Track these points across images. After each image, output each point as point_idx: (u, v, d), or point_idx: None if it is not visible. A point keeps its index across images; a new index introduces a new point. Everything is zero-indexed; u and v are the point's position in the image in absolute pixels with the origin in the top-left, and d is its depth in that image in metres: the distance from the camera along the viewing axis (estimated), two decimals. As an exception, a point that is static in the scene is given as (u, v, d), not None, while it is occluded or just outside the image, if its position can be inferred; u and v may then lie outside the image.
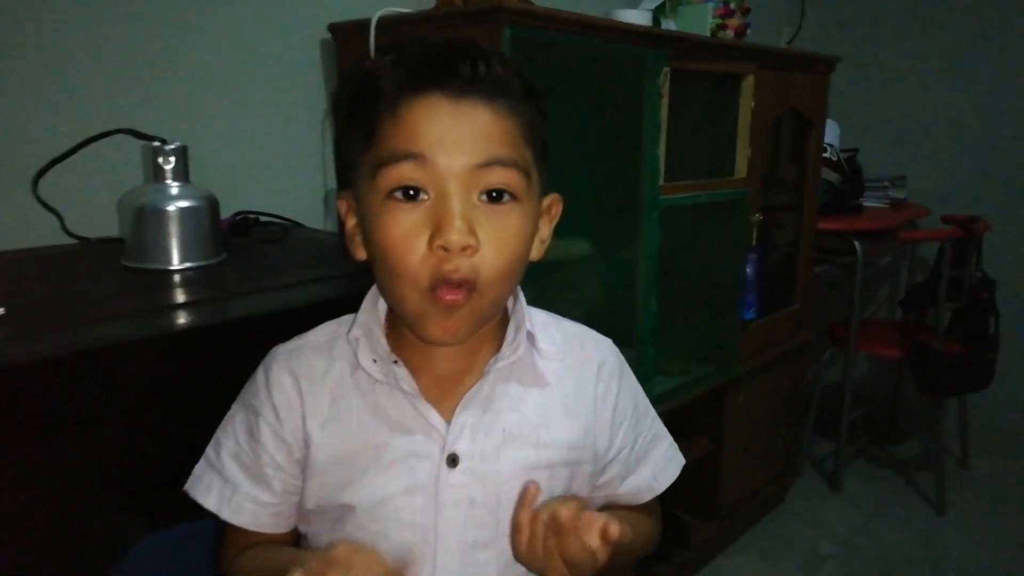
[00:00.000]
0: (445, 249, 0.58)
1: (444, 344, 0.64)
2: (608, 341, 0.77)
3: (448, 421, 0.66)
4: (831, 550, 2.17)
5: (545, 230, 0.69)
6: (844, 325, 2.50)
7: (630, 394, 0.77)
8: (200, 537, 1.34)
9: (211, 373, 0.84)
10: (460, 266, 0.59)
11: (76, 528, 0.89)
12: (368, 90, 0.61)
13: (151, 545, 1.30)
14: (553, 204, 0.70)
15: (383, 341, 0.67)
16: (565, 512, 0.60)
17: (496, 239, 0.60)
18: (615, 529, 0.58)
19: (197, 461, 0.71)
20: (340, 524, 0.66)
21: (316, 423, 0.67)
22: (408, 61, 0.60)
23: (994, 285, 2.38)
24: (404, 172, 0.59)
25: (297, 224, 1.42)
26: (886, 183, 2.70)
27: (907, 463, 2.67)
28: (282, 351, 0.70)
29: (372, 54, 1.39)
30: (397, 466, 0.65)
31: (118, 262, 1.10)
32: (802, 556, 2.13)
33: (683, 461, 0.81)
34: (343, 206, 0.68)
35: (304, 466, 0.68)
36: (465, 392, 0.67)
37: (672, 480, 0.79)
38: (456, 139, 0.59)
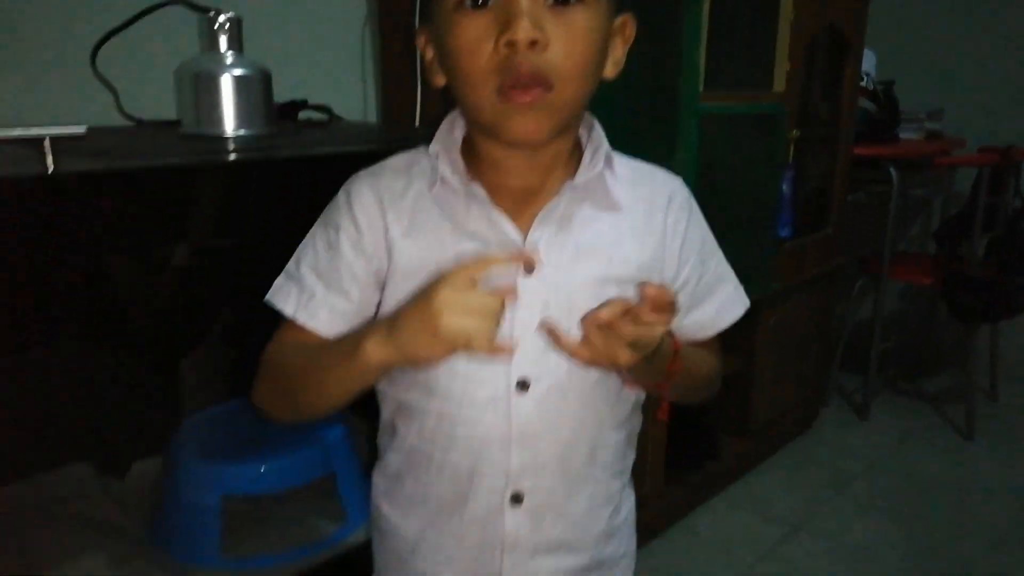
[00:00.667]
0: (512, 45, 0.58)
1: (526, 144, 0.64)
2: (679, 178, 0.78)
3: (524, 234, 0.68)
4: (859, 470, 2.19)
5: (619, 50, 0.69)
6: (876, 256, 2.50)
7: (699, 230, 0.77)
8: (249, 410, 1.39)
9: (269, 209, 0.87)
10: (529, 60, 0.59)
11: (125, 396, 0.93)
12: None
13: (199, 419, 1.35)
14: (627, 25, 0.69)
15: (460, 161, 0.69)
16: (614, 304, 0.60)
17: (565, 37, 0.60)
18: (669, 292, 0.58)
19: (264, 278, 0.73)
20: None
21: (398, 232, 0.69)
22: None
23: (1032, 213, 2.36)
24: None
25: (339, 117, 1.43)
26: (922, 115, 2.66)
27: (936, 395, 2.67)
28: (363, 174, 0.73)
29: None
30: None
31: (174, 136, 1.12)
32: (830, 475, 2.16)
33: (748, 304, 0.81)
34: (422, 40, 0.69)
35: (385, 276, 0.70)
36: (539, 210, 0.68)
37: (735, 319, 0.80)
38: None
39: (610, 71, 0.68)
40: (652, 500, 1.77)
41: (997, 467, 2.21)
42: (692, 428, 1.92)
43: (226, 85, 1.08)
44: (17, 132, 0.72)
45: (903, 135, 2.61)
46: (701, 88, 1.65)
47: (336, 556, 1.19)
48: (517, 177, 0.69)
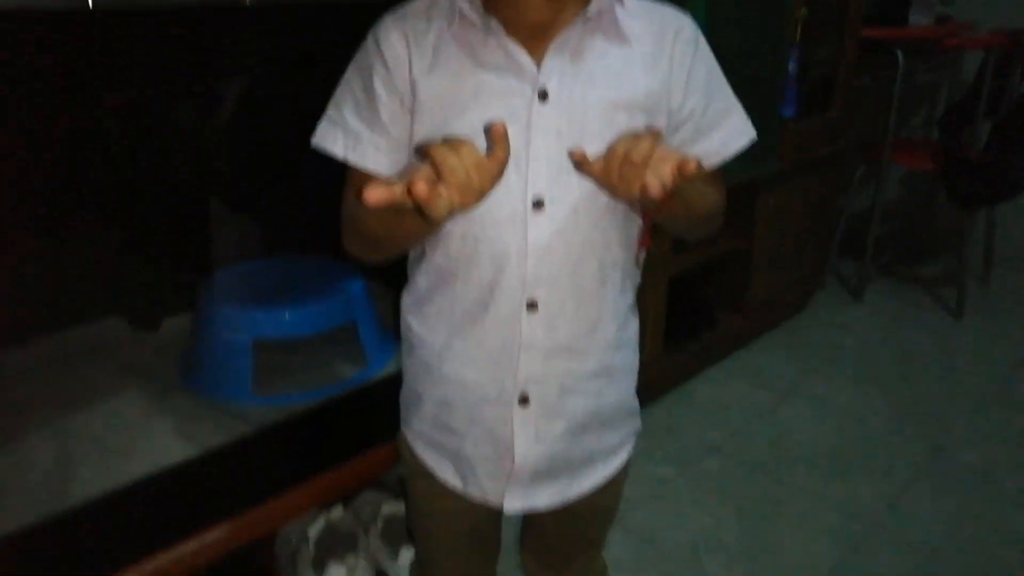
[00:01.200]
0: None
1: None
2: (688, 15, 0.80)
3: (538, 65, 0.72)
4: (851, 345, 2.29)
5: None
6: (879, 142, 2.52)
7: (705, 63, 0.80)
8: (275, 268, 1.46)
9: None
10: None
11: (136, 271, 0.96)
12: None
13: (236, 270, 1.42)
14: None
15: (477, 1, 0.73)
16: (644, 142, 0.64)
17: None
18: (693, 163, 0.62)
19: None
20: None
21: (421, 69, 0.74)
22: None
23: (1037, 97, 2.37)
24: None
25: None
26: (932, 3, 2.63)
27: (930, 279, 2.75)
28: (389, 18, 0.77)
29: None
30: (494, 100, 0.72)
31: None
32: (823, 350, 2.26)
33: (754, 135, 0.84)
34: None
35: (412, 109, 0.75)
36: (553, 41, 0.72)
37: (741, 147, 0.83)
38: None
39: None
40: (650, 366, 1.87)
41: (983, 342, 2.31)
42: (691, 301, 2.00)
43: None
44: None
45: (912, 18, 2.59)
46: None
47: (356, 394, 1.28)
48: (532, 11, 0.73)
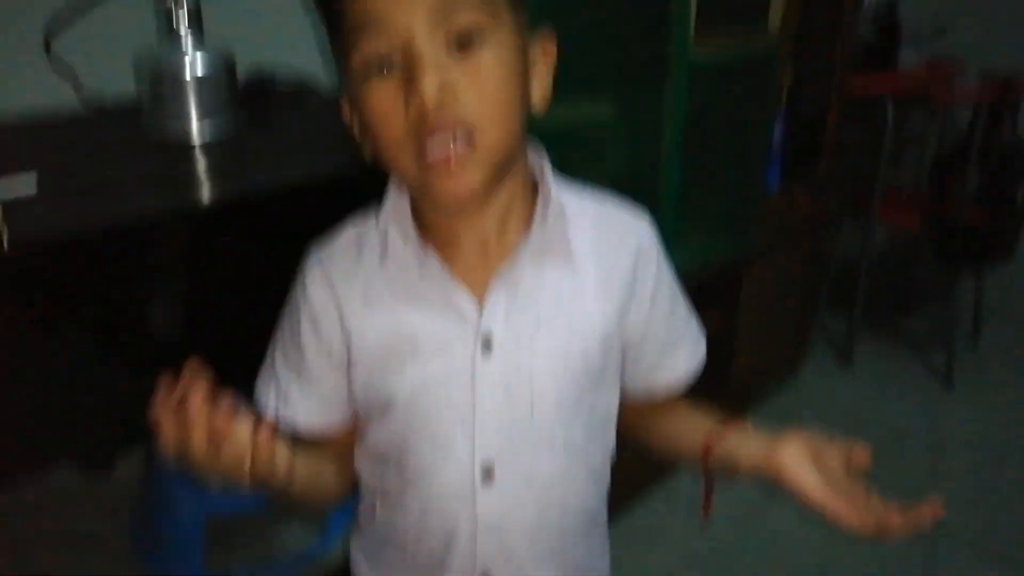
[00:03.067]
0: (420, 105, 0.55)
1: (458, 205, 0.61)
2: (644, 216, 0.74)
3: (480, 303, 0.65)
4: (839, 421, 2.17)
5: (544, 76, 0.64)
6: (865, 194, 2.40)
7: (667, 274, 0.74)
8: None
9: (236, 249, 0.80)
10: (440, 116, 0.55)
11: (89, 408, 0.86)
12: None
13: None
14: (547, 45, 0.64)
15: (411, 227, 0.66)
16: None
17: (477, 82, 0.56)
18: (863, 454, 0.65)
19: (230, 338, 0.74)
20: (385, 416, 0.68)
21: (352, 319, 0.67)
22: None
23: (1030, 151, 2.26)
24: (367, 48, 0.56)
25: (310, 90, 1.28)
26: (924, 36, 2.51)
27: (918, 338, 2.63)
28: (314, 252, 0.70)
29: None
30: (433, 354, 0.65)
31: (136, 128, 1.00)
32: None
33: (705, 340, 0.80)
34: (346, 111, 0.65)
35: (347, 362, 0.68)
36: (496, 270, 0.65)
37: (702, 361, 0.78)
38: None
39: (539, 102, 0.64)
40: (628, 463, 1.73)
41: (974, 420, 2.20)
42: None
43: (187, 81, 0.96)
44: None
45: (903, 57, 2.46)
46: (692, 33, 1.50)
47: (316, 570, 1.19)
48: (470, 232, 0.65)
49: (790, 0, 1.73)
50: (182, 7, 0.96)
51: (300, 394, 0.70)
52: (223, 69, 1.00)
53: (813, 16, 2.03)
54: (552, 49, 0.65)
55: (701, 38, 1.52)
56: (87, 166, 0.90)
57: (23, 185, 0.71)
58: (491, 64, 0.57)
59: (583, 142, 1.49)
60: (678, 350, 0.75)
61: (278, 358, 0.71)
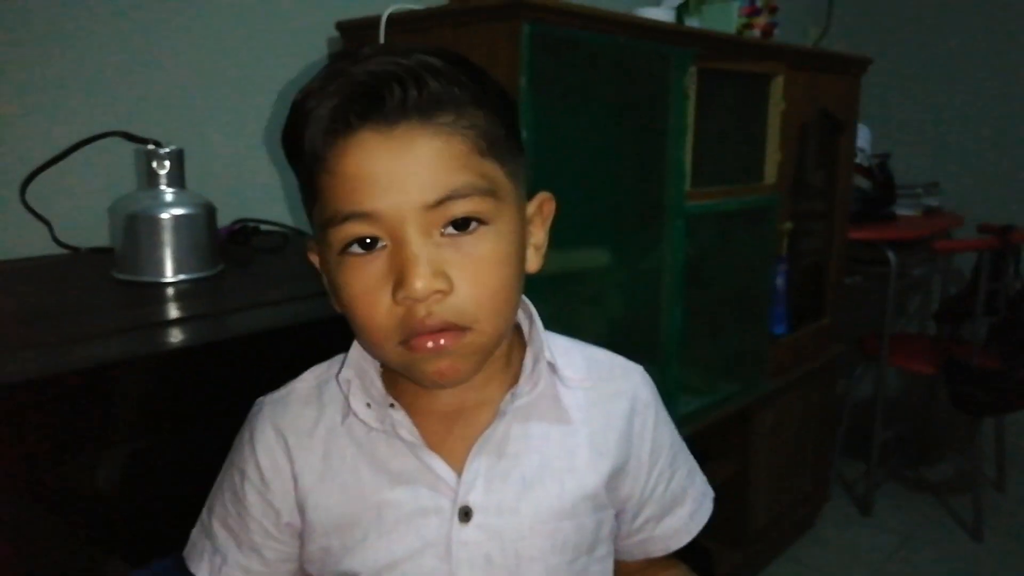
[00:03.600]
0: (411, 307, 0.51)
1: (445, 387, 0.57)
2: (639, 369, 0.69)
3: (457, 470, 0.58)
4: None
5: (539, 235, 0.61)
6: (874, 339, 2.40)
7: (667, 427, 0.69)
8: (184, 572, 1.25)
9: (209, 393, 0.78)
10: (433, 311, 0.51)
11: (61, 558, 0.83)
12: (297, 140, 0.54)
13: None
14: (543, 204, 0.61)
15: (377, 382, 0.60)
16: None
17: (472, 272, 0.52)
18: None
19: (191, 486, 0.65)
20: None
21: (309, 483, 0.60)
22: (328, 99, 0.52)
23: (1035, 297, 2.27)
24: (351, 230, 0.52)
25: (299, 232, 1.34)
26: (919, 190, 2.59)
27: (940, 485, 2.55)
28: (267, 403, 0.63)
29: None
30: (402, 526, 0.58)
31: (109, 273, 1.02)
32: (832, 585, 2.03)
33: (713, 495, 0.73)
34: (313, 258, 0.61)
35: (300, 531, 0.61)
36: (476, 434, 0.59)
37: (707, 519, 0.72)
38: (399, 180, 0.50)
39: (533, 264, 0.60)
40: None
41: (1007, 570, 2.08)
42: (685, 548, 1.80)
43: (166, 227, 0.99)
44: None
45: (899, 211, 2.53)
46: (687, 187, 1.57)
47: None
48: (448, 398, 0.60)
49: (785, 154, 1.81)
50: (164, 159, 1.00)
51: (238, 560, 0.62)
52: (204, 220, 1.02)
53: (809, 168, 2.12)
54: (550, 207, 0.62)
55: (697, 190, 1.58)
56: (52, 307, 0.90)
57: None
58: (491, 250, 0.53)
59: (582, 287, 1.53)
60: (679, 508, 0.69)
61: (215, 517, 0.63)
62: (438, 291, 0.51)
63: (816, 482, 2.26)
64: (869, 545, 2.21)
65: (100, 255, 1.12)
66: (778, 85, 1.77)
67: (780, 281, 1.92)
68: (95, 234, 1.16)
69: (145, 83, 1.25)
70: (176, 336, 0.83)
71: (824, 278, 2.17)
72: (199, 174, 1.09)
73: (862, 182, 2.43)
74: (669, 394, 1.56)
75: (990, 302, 2.27)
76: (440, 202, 0.51)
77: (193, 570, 0.63)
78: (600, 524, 0.63)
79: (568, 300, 1.47)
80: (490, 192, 0.53)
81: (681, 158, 1.54)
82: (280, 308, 0.95)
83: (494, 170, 0.54)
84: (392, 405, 0.59)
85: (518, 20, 1.17)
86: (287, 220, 1.33)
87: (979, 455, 2.26)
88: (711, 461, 1.89)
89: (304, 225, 1.39)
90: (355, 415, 0.59)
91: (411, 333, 0.52)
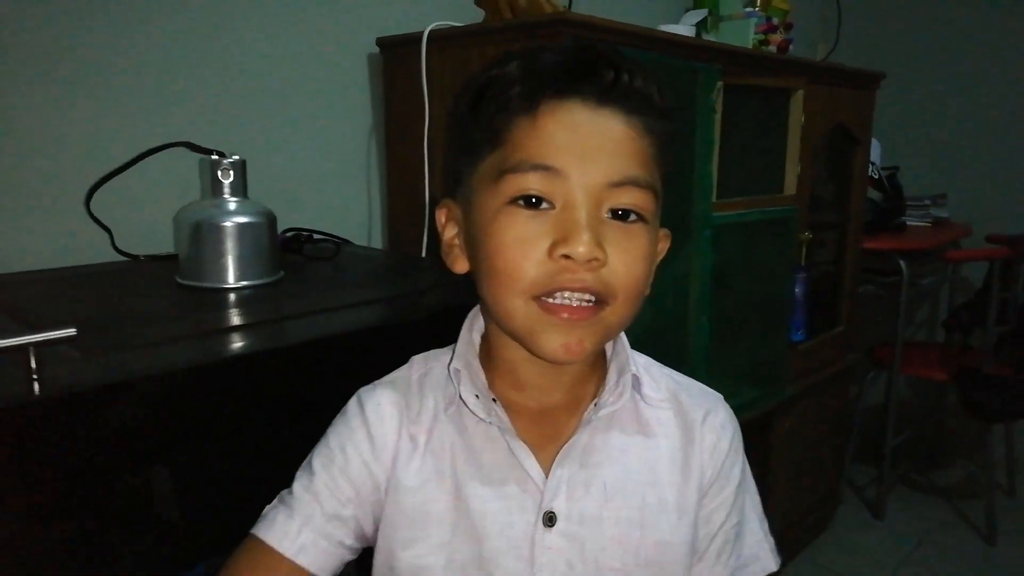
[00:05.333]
0: (568, 258, 0.54)
1: (562, 361, 0.58)
2: (720, 396, 0.70)
3: (546, 471, 0.60)
4: (877, 578, 2.10)
5: (654, 268, 0.64)
6: (886, 346, 2.45)
7: (740, 457, 0.68)
8: None
9: (272, 397, 0.80)
10: (585, 277, 0.54)
11: (125, 563, 0.85)
12: (499, 92, 0.57)
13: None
14: (664, 240, 0.65)
15: (482, 375, 0.63)
16: None
17: (625, 256, 0.56)
18: None
19: (260, 488, 0.66)
20: None
21: (407, 468, 0.62)
22: (546, 64, 0.57)
23: (1044, 306, 2.32)
24: (532, 182, 0.55)
25: (346, 241, 1.38)
26: (927, 201, 2.64)
27: (951, 490, 2.59)
28: (379, 385, 0.66)
29: (424, 69, 1.35)
30: (490, 524, 0.59)
31: (172, 279, 1.05)
32: (850, 587, 2.07)
33: (772, 568, 0.70)
34: (442, 216, 0.64)
35: (382, 511, 0.62)
36: (561, 438, 0.62)
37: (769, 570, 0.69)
38: (593, 152, 0.55)
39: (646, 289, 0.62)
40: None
41: (1021, 573, 2.12)
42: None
43: (230, 234, 1.02)
44: (2, 343, 0.65)
45: (909, 222, 2.58)
46: (714, 199, 1.61)
47: None
48: (538, 392, 0.63)
49: (803, 168, 1.86)
50: (228, 170, 1.03)
51: (324, 527, 0.61)
52: (266, 228, 1.05)
53: (825, 181, 2.17)
54: (666, 245, 0.66)
55: (722, 203, 1.63)
56: (123, 313, 0.92)
57: (61, 332, 0.66)
58: (642, 247, 0.57)
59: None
60: (707, 555, 0.66)
61: (298, 486, 0.63)
62: (595, 259, 0.54)
63: (830, 486, 2.30)
64: (882, 548, 2.25)
65: (158, 262, 1.16)
66: (798, 99, 1.82)
67: (799, 290, 1.97)
68: (152, 242, 1.19)
69: (200, 97, 1.29)
70: (243, 342, 0.86)
71: (839, 287, 2.22)
72: (251, 183, 1.12)
73: (873, 194, 2.48)
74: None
75: (1000, 311, 2.32)
76: (621, 184, 0.55)
77: (262, 534, 0.61)
78: (685, 541, 0.63)
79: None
80: (656, 194, 0.58)
81: (708, 170, 1.59)
82: (336, 315, 0.98)
83: (659, 180, 0.59)
84: (495, 400, 0.61)
85: (561, 37, 1.22)
86: (333, 230, 1.37)
87: (990, 460, 2.31)
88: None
89: (349, 234, 1.43)
90: (464, 404, 0.61)
91: (555, 288, 0.54)
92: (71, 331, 0.68)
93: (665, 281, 1.69)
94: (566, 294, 0.54)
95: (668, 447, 0.64)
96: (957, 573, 2.13)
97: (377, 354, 0.70)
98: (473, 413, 0.61)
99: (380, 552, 0.63)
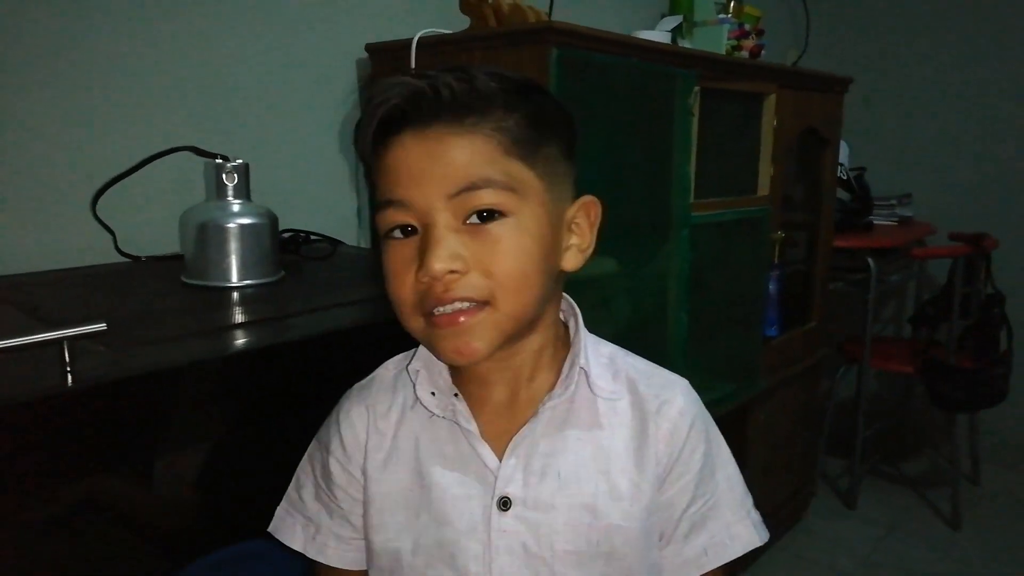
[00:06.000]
0: (430, 282, 0.58)
1: (465, 363, 0.61)
2: (683, 381, 0.70)
3: (501, 459, 0.64)
4: (850, 568, 2.18)
5: (585, 236, 0.66)
6: (855, 342, 2.53)
7: (702, 442, 0.68)
8: (250, 558, 1.32)
9: (276, 392, 0.85)
10: (450, 289, 0.58)
11: (135, 548, 0.88)
12: (361, 139, 0.62)
13: (203, 565, 1.28)
14: (589, 208, 0.66)
15: (445, 373, 0.67)
16: None
17: (489, 256, 0.58)
18: None
19: (266, 478, 0.72)
20: (398, 568, 0.65)
21: (376, 460, 0.67)
22: (376, 105, 0.60)
23: (1004, 300, 2.42)
24: (391, 216, 0.60)
25: (339, 242, 1.42)
26: (893, 201, 2.74)
27: (919, 479, 2.69)
28: (356, 389, 0.72)
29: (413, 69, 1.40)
30: (450, 508, 0.64)
31: (176, 279, 1.09)
32: (822, 575, 2.14)
33: (758, 542, 0.71)
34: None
35: (364, 502, 0.68)
36: (520, 427, 0.65)
37: (729, 560, 0.69)
38: (427, 174, 0.58)
39: (572, 262, 0.65)
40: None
41: (987, 560, 2.22)
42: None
43: (234, 235, 1.06)
44: (37, 337, 0.68)
45: (876, 221, 2.68)
46: (692, 199, 1.68)
47: None
48: (495, 386, 0.66)
49: (776, 169, 1.94)
50: (232, 173, 1.08)
51: (331, 527, 0.69)
52: (268, 228, 1.10)
53: (796, 182, 2.26)
54: (596, 211, 0.66)
55: (699, 203, 1.70)
56: (137, 311, 0.96)
57: (93, 327, 0.71)
58: (509, 242, 0.58)
59: (593, 292, 1.62)
60: (695, 537, 0.68)
61: (306, 491, 0.71)
62: (453, 271, 0.57)
63: (804, 477, 2.39)
64: (855, 536, 2.34)
65: (160, 262, 1.19)
66: (771, 103, 1.90)
67: (773, 287, 2.04)
68: (151, 243, 1.23)
69: (197, 102, 1.32)
70: (248, 338, 0.91)
71: (810, 284, 2.30)
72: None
73: (841, 194, 2.57)
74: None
75: (962, 305, 2.42)
76: (460, 192, 0.57)
77: (286, 542, 0.71)
78: (641, 536, 0.64)
79: (579, 304, 1.57)
80: (510, 188, 0.59)
81: (686, 171, 1.65)
82: (333, 312, 1.02)
83: (519, 169, 0.59)
84: (456, 395, 0.65)
85: (547, 44, 1.27)
86: (324, 231, 1.41)
87: (955, 450, 2.40)
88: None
89: (340, 235, 1.48)
90: (420, 402, 0.66)
91: (431, 307, 0.58)
92: (102, 326, 0.72)
93: (645, 278, 1.75)
94: (442, 307, 0.58)
95: (622, 437, 0.66)
96: (925, 558, 2.21)
97: (374, 349, 0.75)
98: (427, 409, 0.66)
99: (365, 537, 0.68)
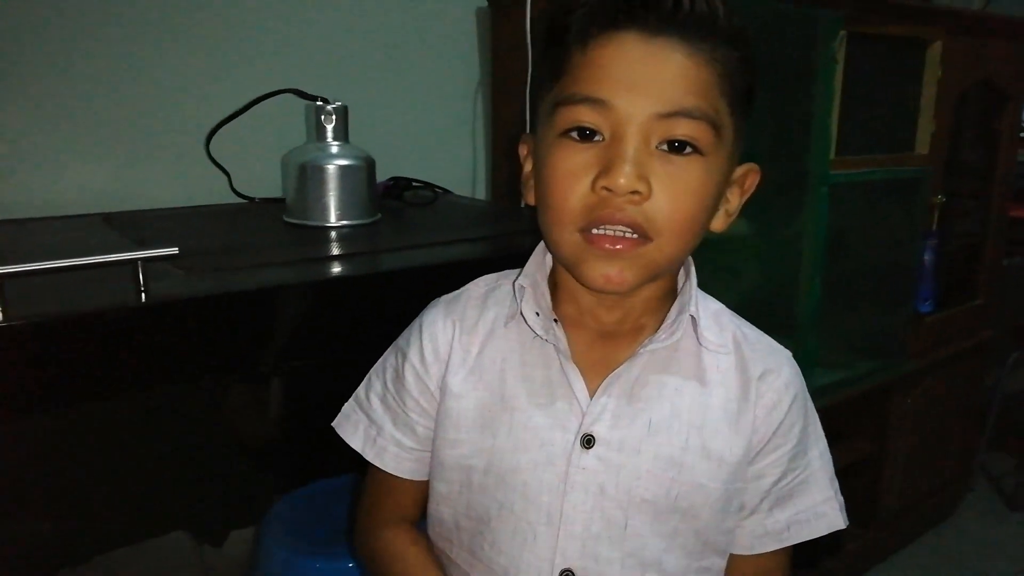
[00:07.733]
0: (609, 191, 0.54)
1: (604, 291, 0.58)
2: (787, 352, 0.68)
3: (592, 395, 0.61)
4: (1006, 572, 1.95)
5: (735, 202, 0.63)
6: (1033, 326, 2.25)
7: (801, 418, 0.66)
8: (343, 492, 1.35)
9: (364, 322, 0.86)
10: (625, 210, 0.54)
11: (226, 471, 0.93)
12: (561, 24, 0.57)
13: (294, 499, 1.33)
14: (749, 175, 0.63)
15: (547, 295, 0.64)
16: None
17: (671, 191, 0.55)
18: None
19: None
20: (467, 487, 0.64)
21: (457, 374, 0.65)
22: None
23: None
24: (581, 114, 0.55)
25: (447, 191, 1.41)
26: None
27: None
28: (443, 300, 0.70)
29: (528, 22, 1.36)
30: (531, 436, 0.61)
31: (280, 218, 1.13)
32: (972, 576, 1.94)
33: (841, 524, 0.68)
34: (523, 149, 0.66)
35: (437, 411, 0.66)
36: (617, 366, 0.62)
37: (812, 537, 0.67)
38: (643, 83, 0.54)
39: (719, 224, 0.62)
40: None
41: None
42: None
43: (331, 176, 1.08)
44: (111, 257, 0.72)
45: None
46: (832, 155, 1.53)
47: None
48: (598, 319, 0.64)
49: (939, 125, 1.73)
50: (331, 115, 1.09)
51: (392, 434, 0.68)
52: (364, 171, 1.11)
53: (966, 142, 2.01)
54: (754, 180, 0.64)
55: (841, 161, 1.55)
56: (230, 241, 1.01)
57: (165, 250, 0.76)
58: (694, 178, 0.56)
59: (720, 255, 1.53)
60: (778, 511, 0.66)
61: (374, 394, 0.70)
62: (636, 192, 0.53)
63: (958, 471, 2.16)
64: (1016, 542, 2.09)
65: (271, 204, 1.24)
66: (935, 51, 1.69)
67: (928, 257, 1.84)
68: (264, 184, 1.28)
69: (312, 47, 1.35)
70: (337, 269, 0.93)
71: (979, 257, 2.05)
72: (358, 132, 1.18)
73: (1023, 157, 2.27)
74: (804, 367, 1.53)
75: None
76: (671, 115, 0.54)
77: (347, 439, 0.70)
78: (728, 496, 0.62)
79: (703, 267, 1.48)
80: (716, 126, 0.55)
81: (827, 126, 1.51)
82: (428, 251, 1.04)
83: (725, 111, 0.57)
84: (556, 320, 0.62)
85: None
86: (437, 181, 1.41)
87: None
88: (845, 439, 1.85)
89: (450, 184, 1.47)
90: (524, 320, 0.63)
91: (597, 221, 0.55)
92: (174, 250, 0.76)
93: (775, 240, 1.63)
94: (607, 226, 0.55)
95: (721, 395, 0.63)
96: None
97: (457, 287, 0.73)
98: (531, 329, 0.63)
99: (433, 447, 0.67)
